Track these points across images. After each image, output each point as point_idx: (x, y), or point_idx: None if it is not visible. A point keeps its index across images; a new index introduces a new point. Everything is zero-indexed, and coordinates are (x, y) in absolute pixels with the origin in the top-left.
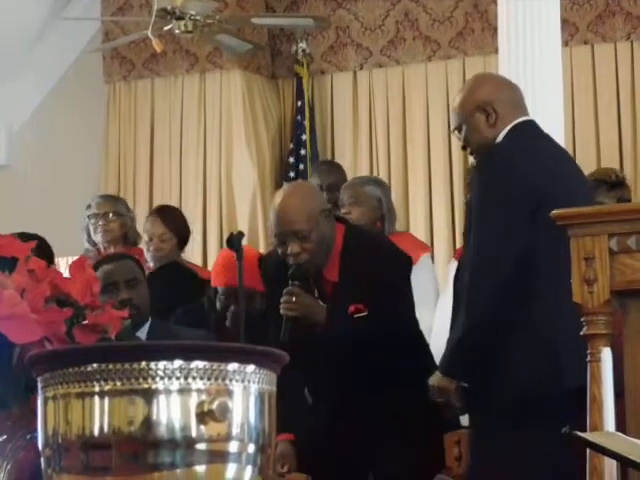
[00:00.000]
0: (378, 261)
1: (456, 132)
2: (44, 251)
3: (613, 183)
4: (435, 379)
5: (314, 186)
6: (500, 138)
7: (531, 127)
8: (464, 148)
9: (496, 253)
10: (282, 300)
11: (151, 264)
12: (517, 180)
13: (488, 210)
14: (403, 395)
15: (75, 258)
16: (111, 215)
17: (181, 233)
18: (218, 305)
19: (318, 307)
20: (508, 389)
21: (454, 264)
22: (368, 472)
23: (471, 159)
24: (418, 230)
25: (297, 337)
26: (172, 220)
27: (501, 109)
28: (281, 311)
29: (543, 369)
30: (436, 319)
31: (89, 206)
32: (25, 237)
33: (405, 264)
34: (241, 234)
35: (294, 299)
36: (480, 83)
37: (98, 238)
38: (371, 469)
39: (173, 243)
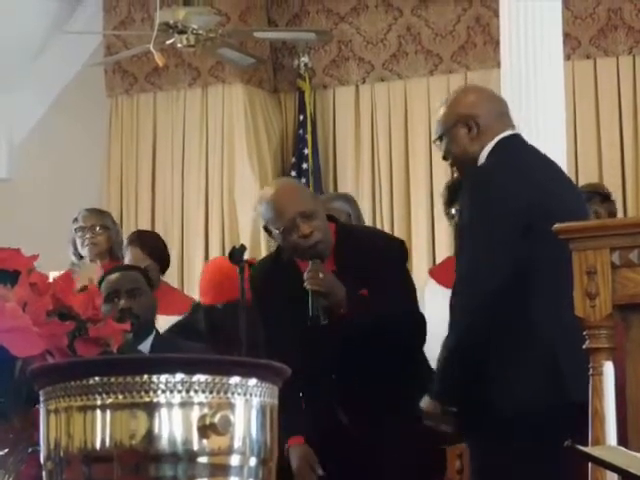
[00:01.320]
0: (373, 246)
1: (437, 142)
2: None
3: (605, 195)
4: (423, 402)
5: None
6: (485, 154)
7: (517, 142)
8: (445, 158)
9: (482, 270)
10: (307, 277)
11: None
12: (504, 199)
13: (475, 230)
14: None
15: None
16: (98, 228)
17: (162, 259)
18: (203, 324)
19: (340, 285)
20: (507, 404)
21: (433, 286)
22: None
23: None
24: (420, 242)
25: (327, 314)
26: (153, 248)
27: (484, 122)
28: (307, 286)
29: (543, 383)
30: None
31: (76, 219)
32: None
33: (400, 247)
34: (243, 247)
35: (320, 275)
36: (464, 95)
37: (85, 251)
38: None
39: (156, 272)
